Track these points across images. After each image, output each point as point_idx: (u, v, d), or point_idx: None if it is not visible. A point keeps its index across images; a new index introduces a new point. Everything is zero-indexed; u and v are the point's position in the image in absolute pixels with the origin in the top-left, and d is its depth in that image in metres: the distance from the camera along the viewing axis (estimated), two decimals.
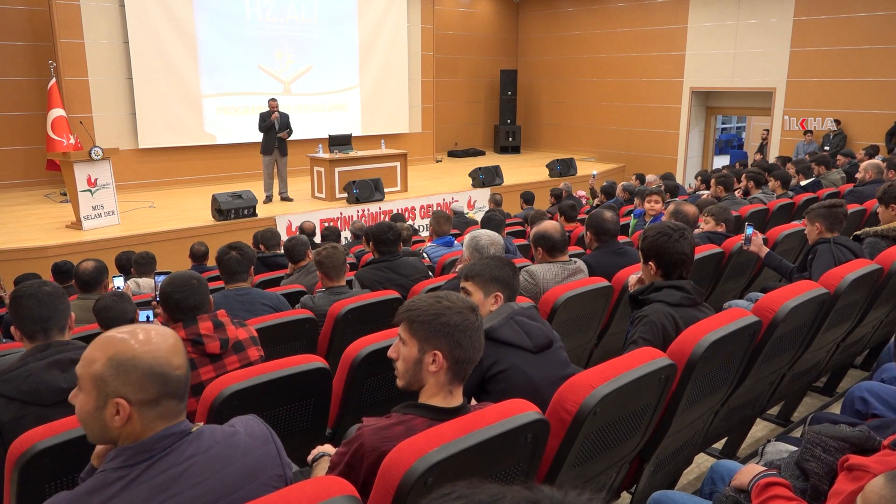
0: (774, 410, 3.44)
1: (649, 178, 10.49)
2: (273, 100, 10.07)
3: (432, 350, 1.61)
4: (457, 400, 1.66)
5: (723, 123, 20.75)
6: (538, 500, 0.69)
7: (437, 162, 15.32)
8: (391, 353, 1.70)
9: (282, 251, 5.39)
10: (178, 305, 2.42)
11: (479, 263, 2.36)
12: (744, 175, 7.11)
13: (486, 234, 3.23)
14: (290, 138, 10.25)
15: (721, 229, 4.35)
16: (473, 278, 2.32)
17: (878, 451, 1.59)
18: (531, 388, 2.06)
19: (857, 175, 6.61)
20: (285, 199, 10.36)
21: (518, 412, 1.65)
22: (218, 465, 1.34)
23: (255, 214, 9.23)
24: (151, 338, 1.33)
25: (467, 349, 1.63)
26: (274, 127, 9.85)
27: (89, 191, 8.36)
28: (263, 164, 10.16)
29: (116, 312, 3.02)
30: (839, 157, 10.03)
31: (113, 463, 1.29)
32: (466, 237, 3.29)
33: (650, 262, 2.52)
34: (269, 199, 10.15)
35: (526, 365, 2.12)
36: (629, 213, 6.84)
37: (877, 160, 7.10)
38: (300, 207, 10.02)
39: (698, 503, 1.91)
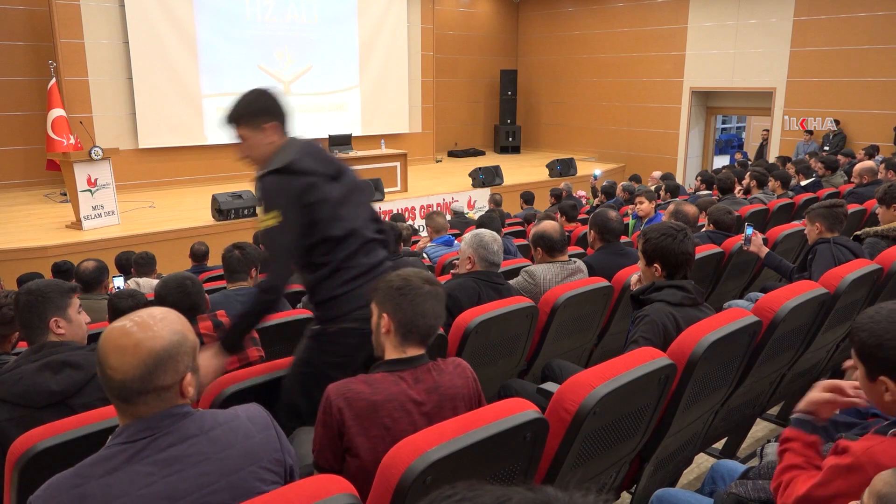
0: (774, 410, 3.44)
1: (654, 174, 10.49)
2: None
3: (382, 313, 1.80)
4: (412, 353, 1.80)
5: (723, 123, 20.74)
6: (545, 501, 0.68)
7: (437, 162, 15.32)
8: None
9: None
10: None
11: None
12: (748, 174, 7.11)
13: (489, 234, 3.22)
14: None
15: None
16: None
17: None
18: None
19: (853, 179, 6.60)
20: None
21: (517, 411, 1.65)
22: (219, 446, 1.36)
23: (255, 214, 9.22)
24: (115, 330, 1.34)
25: (408, 311, 1.76)
26: None
27: (89, 191, 8.35)
28: None
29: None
30: (839, 156, 10.02)
31: (117, 439, 1.33)
32: (468, 235, 3.27)
33: (656, 264, 2.51)
34: None
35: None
36: (626, 214, 6.84)
37: (871, 162, 7.08)
38: None
39: (701, 501, 1.91)
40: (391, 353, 1.80)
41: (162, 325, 1.34)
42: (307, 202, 2.14)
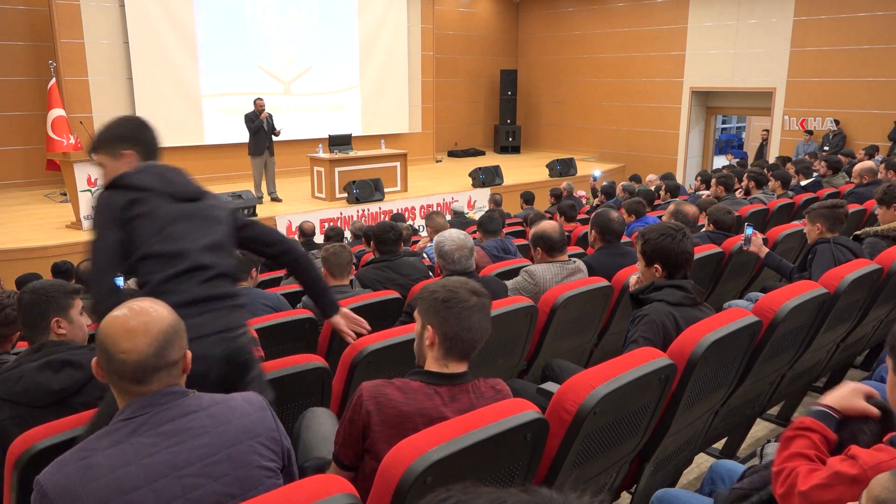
0: (774, 410, 3.44)
1: (650, 177, 10.49)
2: (259, 99, 9.94)
3: (427, 324, 1.75)
4: (455, 370, 1.76)
5: (723, 123, 20.74)
6: (541, 502, 0.67)
7: (437, 162, 15.32)
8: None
9: None
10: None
11: None
12: (745, 175, 7.11)
13: (451, 240, 3.09)
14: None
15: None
16: None
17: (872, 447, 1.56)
18: None
19: (853, 179, 6.59)
20: (276, 199, 10.32)
21: (517, 411, 1.65)
22: (218, 421, 1.43)
23: (254, 214, 9.22)
24: (118, 317, 1.41)
25: (454, 325, 1.71)
26: (263, 128, 9.82)
27: (89, 191, 8.35)
28: (253, 165, 10.11)
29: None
30: (839, 156, 10.01)
31: (119, 416, 1.40)
32: (433, 240, 3.23)
33: (656, 265, 2.51)
34: (260, 201, 10.10)
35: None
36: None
37: (871, 162, 7.08)
38: (300, 207, 10.01)
39: (701, 501, 1.91)
40: (432, 366, 1.75)
41: (158, 307, 1.45)
42: (127, 217, 1.95)
